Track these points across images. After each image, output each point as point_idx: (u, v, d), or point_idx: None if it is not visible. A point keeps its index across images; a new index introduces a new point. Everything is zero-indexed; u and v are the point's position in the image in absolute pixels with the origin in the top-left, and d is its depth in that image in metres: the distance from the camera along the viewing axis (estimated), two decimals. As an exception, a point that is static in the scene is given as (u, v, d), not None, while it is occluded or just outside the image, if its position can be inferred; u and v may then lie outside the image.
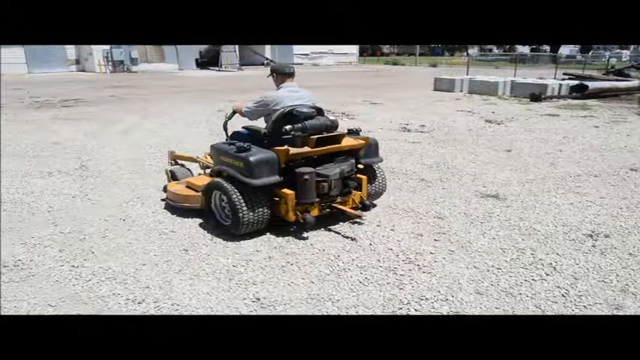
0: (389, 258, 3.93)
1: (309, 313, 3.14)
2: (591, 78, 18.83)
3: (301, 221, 4.23)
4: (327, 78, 24.86)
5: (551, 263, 3.82)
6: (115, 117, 11.53)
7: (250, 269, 3.73)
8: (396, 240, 4.28)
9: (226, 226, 4.35)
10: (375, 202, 5.13)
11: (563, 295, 3.34)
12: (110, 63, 30.88)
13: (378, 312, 3.16)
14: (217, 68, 32.97)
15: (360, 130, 4.96)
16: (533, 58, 36.85)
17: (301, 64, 39.11)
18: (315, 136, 4.32)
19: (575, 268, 3.74)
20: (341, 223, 4.63)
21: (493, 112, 12.28)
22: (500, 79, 16.74)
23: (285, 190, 4.20)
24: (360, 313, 3.15)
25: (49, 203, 5.26)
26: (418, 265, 3.79)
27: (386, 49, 61.73)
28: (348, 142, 4.62)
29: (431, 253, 4.03)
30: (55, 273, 3.68)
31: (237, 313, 3.15)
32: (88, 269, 3.73)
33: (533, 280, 3.56)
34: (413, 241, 4.28)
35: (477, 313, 3.14)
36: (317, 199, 4.29)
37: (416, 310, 3.18)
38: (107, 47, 30.52)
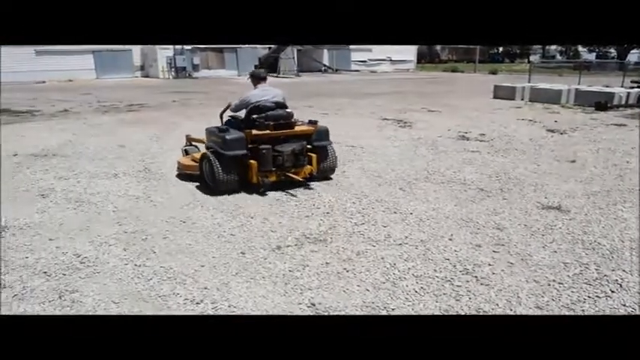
0: (446, 268, 3.87)
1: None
2: (663, 86, 17.94)
3: (261, 184, 5.70)
4: (385, 85, 24.77)
5: (617, 280, 3.66)
6: (177, 121, 11.89)
7: (306, 274, 3.76)
8: (454, 250, 4.21)
9: (210, 186, 5.85)
10: (429, 212, 5.06)
11: (629, 314, 3.19)
12: (173, 69, 31.87)
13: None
14: (275, 74, 33.42)
15: (317, 122, 6.29)
16: (599, 65, 35.46)
17: (358, 71, 39.12)
18: (273, 123, 5.78)
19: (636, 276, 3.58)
20: (401, 230, 4.60)
21: (556, 121, 11.90)
22: (564, 87, 16.19)
23: (252, 161, 5.71)
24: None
25: (115, 204, 5.48)
26: (476, 277, 3.72)
27: (444, 55, 60.72)
28: (299, 128, 6.12)
29: (489, 264, 3.94)
30: (118, 271, 3.83)
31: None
32: (149, 268, 3.86)
33: (597, 297, 3.42)
34: (471, 251, 4.20)
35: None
36: (274, 169, 5.77)
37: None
38: (170, 54, 31.53)
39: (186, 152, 7.01)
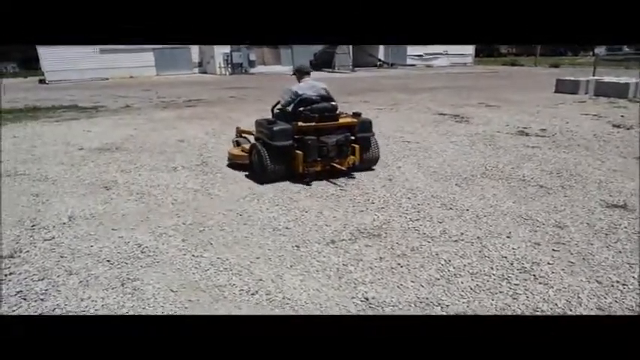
0: (503, 266, 3.78)
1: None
2: None
3: (306, 173, 6.00)
4: (441, 80, 24.35)
5: (687, 282, 3.48)
6: (234, 116, 12.10)
7: (360, 269, 3.76)
8: (511, 248, 4.11)
9: (260, 175, 6.15)
10: (487, 210, 4.95)
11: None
12: (230, 65, 32.44)
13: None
14: (330, 70, 33.47)
15: (360, 114, 6.54)
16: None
17: (414, 65, 38.65)
18: (319, 115, 6.02)
19: None
20: (456, 227, 4.53)
21: (622, 116, 11.37)
22: (632, 80, 15.44)
23: (297, 151, 5.95)
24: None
25: (174, 196, 5.65)
26: (534, 275, 3.61)
27: (503, 49, 59.08)
28: (343, 119, 6.34)
29: (549, 263, 3.82)
30: (177, 261, 3.94)
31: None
32: (206, 259, 3.96)
33: (665, 298, 3.26)
34: (529, 249, 4.08)
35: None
36: (319, 159, 6.01)
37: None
38: (227, 50, 32.08)
39: (237, 143, 7.36)
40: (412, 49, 39.49)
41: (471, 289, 3.43)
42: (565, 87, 16.89)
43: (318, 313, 3.19)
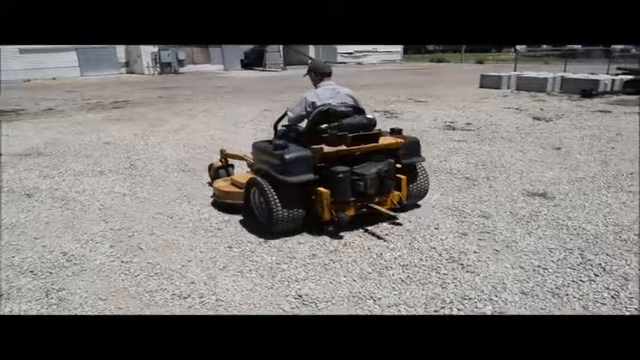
0: (432, 257, 3.89)
1: (347, 313, 3.15)
2: (647, 72, 18.06)
3: (336, 220, 4.23)
4: (371, 77, 24.73)
5: (600, 264, 3.70)
6: (163, 117, 11.82)
7: (293, 267, 3.77)
8: (440, 239, 4.24)
9: (265, 225, 4.39)
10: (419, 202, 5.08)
11: (612, 297, 3.23)
12: (158, 65, 31.61)
13: (420, 311, 3.14)
14: (261, 68, 33.28)
15: (401, 130, 4.91)
16: (584, 53, 35.59)
17: (345, 63, 39.00)
18: (351, 135, 4.23)
19: (626, 269, 3.62)
20: (381, 222, 4.61)
21: (542, 109, 11.97)
22: (550, 75, 16.26)
23: (321, 189, 4.22)
24: (402, 312, 3.14)
25: (101, 201, 5.46)
26: (462, 264, 3.75)
27: (431, 46, 60.69)
28: (385, 140, 4.61)
29: (475, 252, 3.97)
30: (105, 268, 3.82)
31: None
32: (136, 265, 3.86)
33: (581, 281, 3.46)
34: (457, 239, 4.23)
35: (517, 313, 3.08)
36: (353, 198, 4.26)
37: (459, 309, 3.14)
38: (155, 49, 31.23)
39: (216, 172, 5.72)
40: (342, 47, 39.83)
41: (402, 280, 3.52)
42: (489, 82, 17.58)
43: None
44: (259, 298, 3.33)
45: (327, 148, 4.26)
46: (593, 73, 16.78)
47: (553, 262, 3.75)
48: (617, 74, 17.15)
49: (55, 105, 15.12)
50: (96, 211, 5.15)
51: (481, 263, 3.76)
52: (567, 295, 3.27)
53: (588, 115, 11.00)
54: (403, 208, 4.67)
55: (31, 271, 3.78)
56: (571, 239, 4.18)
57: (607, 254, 3.86)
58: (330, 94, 4.59)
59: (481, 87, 17.56)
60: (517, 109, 12.20)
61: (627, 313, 3.08)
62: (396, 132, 4.86)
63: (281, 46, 34.59)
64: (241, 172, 5.66)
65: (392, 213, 4.46)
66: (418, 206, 5.04)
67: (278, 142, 4.34)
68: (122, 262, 3.91)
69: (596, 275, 3.52)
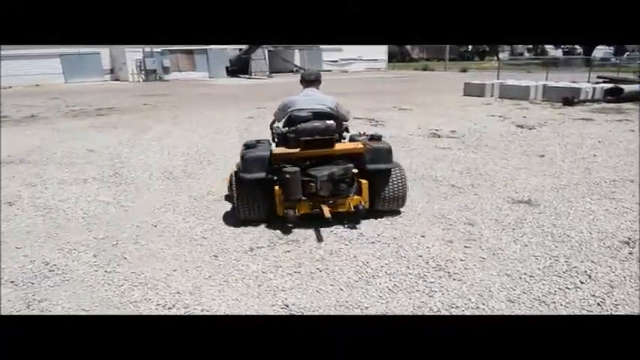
0: (419, 265, 3.89)
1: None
2: (626, 81, 18.35)
3: (285, 216, 4.51)
4: (356, 85, 24.83)
5: (586, 271, 3.72)
6: (148, 124, 11.74)
7: (279, 275, 3.75)
8: (426, 247, 4.24)
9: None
10: (402, 209, 5.08)
11: (598, 304, 3.25)
12: (143, 72, 31.47)
13: (408, 319, 3.13)
14: (247, 76, 33.27)
15: (380, 137, 5.05)
16: (566, 62, 36.11)
17: (330, 70, 39.14)
18: (304, 139, 4.52)
19: (611, 276, 3.64)
20: (373, 229, 4.61)
21: (525, 117, 12.09)
22: (532, 84, 16.45)
23: (276, 187, 4.58)
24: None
25: (84, 210, 5.38)
26: (448, 273, 3.75)
27: (415, 54, 61.17)
28: (342, 146, 4.83)
29: (461, 260, 3.98)
30: (88, 278, 3.76)
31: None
32: (120, 274, 3.80)
33: (567, 288, 3.47)
34: (443, 247, 4.23)
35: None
36: (303, 198, 4.52)
37: (446, 317, 3.14)
38: (140, 56, 31.12)
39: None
40: (328, 55, 40.02)
41: (389, 289, 3.50)
42: (473, 90, 17.74)
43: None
44: (245, 308, 3.29)
45: (277, 150, 4.74)
46: (574, 82, 17.02)
47: (539, 269, 3.77)
48: (597, 82, 17.42)
49: (39, 112, 14.97)
50: (79, 219, 5.08)
51: (467, 271, 3.76)
52: (554, 302, 3.28)
53: (570, 123, 11.13)
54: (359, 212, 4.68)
55: (12, 282, 3.71)
56: (556, 246, 4.20)
57: (592, 261, 3.89)
58: (305, 99, 4.94)
59: (465, 95, 17.71)
60: (501, 116, 12.31)
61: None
62: (375, 138, 5.00)
63: (267, 53, 34.66)
64: None
65: (329, 216, 4.51)
66: (399, 213, 5.03)
67: (251, 142, 4.83)
68: (105, 271, 3.85)
69: (582, 282, 3.54)
